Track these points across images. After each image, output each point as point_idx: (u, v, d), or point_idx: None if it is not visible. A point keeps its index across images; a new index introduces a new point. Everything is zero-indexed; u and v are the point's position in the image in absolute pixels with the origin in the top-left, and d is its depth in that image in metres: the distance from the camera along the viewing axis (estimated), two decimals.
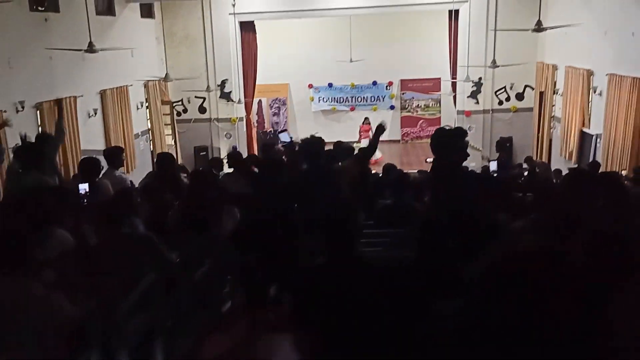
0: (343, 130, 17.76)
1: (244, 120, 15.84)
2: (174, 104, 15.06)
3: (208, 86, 13.58)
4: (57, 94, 9.71)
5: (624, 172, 9.11)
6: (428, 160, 12.97)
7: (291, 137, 16.57)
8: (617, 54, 10.33)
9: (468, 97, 14.96)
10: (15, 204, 3.96)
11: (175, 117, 15.10)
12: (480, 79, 14.52)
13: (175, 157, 6.59)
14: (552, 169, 11.90)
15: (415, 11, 15.93)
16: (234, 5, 14.12)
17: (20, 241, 3.00)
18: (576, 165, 11.49)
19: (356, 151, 8.21)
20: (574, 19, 10.83)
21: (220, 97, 15.17)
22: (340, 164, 5.78)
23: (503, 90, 14.89)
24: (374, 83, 18.78)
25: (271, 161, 5.08)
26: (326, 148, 6.41)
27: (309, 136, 4.57)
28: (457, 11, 14.45)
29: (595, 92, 11.33)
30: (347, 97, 18.95)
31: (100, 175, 6.15)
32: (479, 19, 14.01)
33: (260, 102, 18.33)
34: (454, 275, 2.20)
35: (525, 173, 10.44)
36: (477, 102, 15.02)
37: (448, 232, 2.60)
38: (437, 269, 2.54)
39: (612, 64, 10.45)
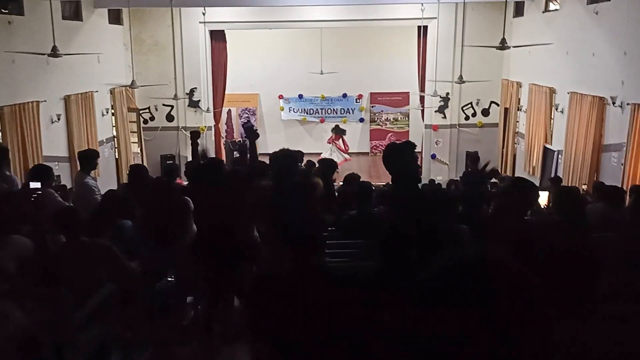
0: (313, 141, 17.81)
1: (213, 129, 15.72)
2: (141, 112, 14.85)
3: (176, 94, 13.45)
4: (20, 98, 9.47)
5: (584, 187, 9.36)
6: None
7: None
8: (578, 73, 10.65)
9: (436, 111, 15.19)
10: None
11: (142, 125, 14.88)
12: (447, 94, 14.78)
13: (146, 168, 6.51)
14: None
15: (386, 26, 16.16)
16: (204, 14, 14.06)
17: None
18: (538, 181, 11.76)
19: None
20: (538, 39, 11.14)
21: (188, 105, 15.03)
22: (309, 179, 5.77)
23: (469, 105, 15.18)
24: (344, 95, 18.91)
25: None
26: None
27: (279, 150, 4.52)
28: (425, 27, 14.71)
29: (557, 109, 11.64)
30: (317, 109, 19.03)
31: (74, 179, 6.08)
32: (447, 35, 14.29)
33: (229, 111, 18.24)
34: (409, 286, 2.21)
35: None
36: (445, 117, 15.27)
37: (407, 243, 2.62)
38: (396, 280, 2.56)
39: (573, 82, 10.77)
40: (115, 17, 13.78)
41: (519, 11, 13.62)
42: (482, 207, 5.78)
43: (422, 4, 13.52)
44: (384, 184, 10.91)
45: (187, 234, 4.88)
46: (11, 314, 2.87)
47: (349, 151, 17.64)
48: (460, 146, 15.23)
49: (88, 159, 6.28)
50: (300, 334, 2.61)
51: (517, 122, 14.04)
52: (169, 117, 15.10)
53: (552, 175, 11.13)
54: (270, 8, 14.02)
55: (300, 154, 7.48)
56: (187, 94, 14.78)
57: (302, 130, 18.99)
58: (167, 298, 4.96)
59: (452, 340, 0.83)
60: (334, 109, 19.08)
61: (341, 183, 8.32)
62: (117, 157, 13.68)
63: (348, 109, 19.12)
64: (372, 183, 8.25)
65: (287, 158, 4.42)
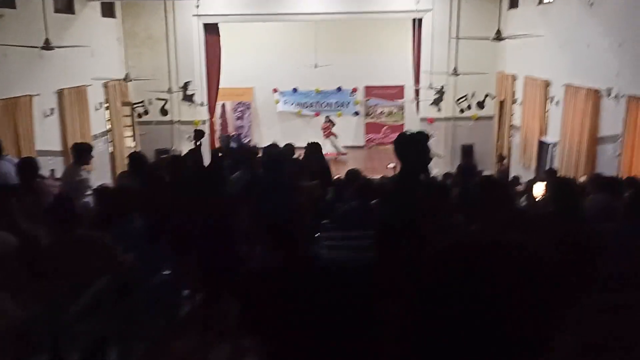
0: (308, 135, 17.73)
1: (207, 123, 15.65)
2: (135, 106, 14.76)
3: (170, 88, 13.35)
4: (13, 92, 9.39)
5: (582, 179, 9.37)
6: (390, 166, 13.10)
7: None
8: (573, 65, 10.64)
9: (431, 104, 15.18)
10: None
11: (136, 119, 14.80)
12: (442, 87, 14.75)
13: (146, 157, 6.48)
14: (511, 176, 12.16)
15: (380, 19, 16.11)
16: (197, 7, 13.98)
17: None
18: (534, 174, 11.78)
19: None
20: (533, 31, 11.13)
21: (182, 99, 14.97)
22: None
23: (464, 98, 15.17)
24: (339, 89, 18.87)
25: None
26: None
27: (271, 144, 4.51)
28: (420, 20, 14.67)
29: (552, 101, 11.64)
30: (311, 103, 18.97)
31: (64, 171, 6.03)
32: (442, 27, 14.25)
33: (223, 105, 18.18)
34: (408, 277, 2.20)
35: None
36: (440, 110, 15.25)
37: (407, 236, 2.61)
38: (395, 272, 2.55)
39: (568, 74, 10.77)
40: (108, 10, 13.68)
41: (513, 3, 13.60)
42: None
43: None
44: (379, 177, 10.90)
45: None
46: (4, 306, 2.85)
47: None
48: (456, 139, 15.24)
49: (82, 152, 6.25)
50: (292, 327, 2.59)
51: (513, 114, 14.05)
52: (163, 111, 15.03)
53: (547, 167, 11.14)
54: (264, 1, 13.96)
55: (291, 148, 7.35)
56: (181, 87, 14.70)
57: (298, 123, 18.94)
58: (162, 292, 4.94)
59: (456, 325, 0.82)
60: (328, 103, 19.03)
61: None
62: (111, 151, 13.60)
63: (343, 102, 19.08)
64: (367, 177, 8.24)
65: (274, 153, 4.40)
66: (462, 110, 15.25)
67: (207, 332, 4.58)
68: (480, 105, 15.19)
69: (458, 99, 15.14)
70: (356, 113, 19.07)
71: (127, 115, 14.35)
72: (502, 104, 14.42)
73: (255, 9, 14.39)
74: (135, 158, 6.34)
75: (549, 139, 11.81)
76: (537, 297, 0.84)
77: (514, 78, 13.66)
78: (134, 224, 4.69)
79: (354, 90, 18.91)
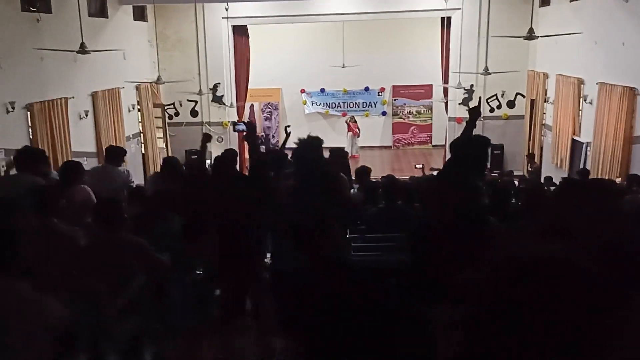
0: (336, 135, 17.76)
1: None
2: (166, 107, 15.01)
3: (200, 90, 13.54)
4: (49, 95, 9.64)
5: (618, 180, 9.18)
6: (418, 166, 13.02)
7: (248, 120, 16.55)
8: (608, 63, 10.42)
9: (460, 104, 15.02)
10: (7, 203, 3.91)
11: (167, 120, 15.05)
12: (472, 86, 14.60)
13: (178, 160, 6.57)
14: (543, 176, 11.97)
15: (408, 18, 16.02)
16: (227, 10, 14.13)
17: (9, 241, 2.95)
18: (567, 173, 11.58)
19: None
20: (565, 28, 10.93)
21: (212, 100, 15.15)
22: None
23: (494, 97, 14.98)
24: (366, 89, 18.83)
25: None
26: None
27: (306, 137, 4.41)
28: (449, 18, 14.54)
29: (585, 100, 11.42)
30: (339, 103, 18.98)
31: (98, 169, 6.17)
32: (471, 26, 14.10)
33: (252, 106, 18.30)
34: (448, 281, 2.19)
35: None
36: (469, 109, 15.08)
37: (446, 237, 2.59)
38: (433, 275, 2.54)
39: (602, 72, 10.55)
40: (140, 14, 13.93)
41: (545, 0, 13.37)
42: (510, 200, 5.72)
43: None
44: (407, 177, 10.85)
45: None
46: (50, 305, 2.93)
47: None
48: None
49: (115, 155, 6.37)
50: (324, 328, 2.60)
51: (544, 113, 13.82)
52: (193, 113, 15.25)
53: (581, 167, 10.94)
54: (292, 2, 14.02)
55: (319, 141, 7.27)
56: (210, 89, 14.88)
57: (325, 124, 18.95)
58: (196, 291, 5.02)
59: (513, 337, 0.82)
60: (356, 103, 19.01)
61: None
62: (143, 152, 13.85)
63: (370, 102, 19.04)
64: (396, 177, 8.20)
65: (308, 147, 4.34)
66: (492, 110, 15.06)
67: (238, 331, 4.64)
68: (511, 104, 14.99)
69: (488, 98, 14.96)
70: (384, 113, 19.00)
71: (158, 117, 14.59)
72: (533, 102, 14.19)
73: (283, 11, 14.46)
74: (169, 162, 6.44)
75: (582, 138, 11.58)
76: (590, 309, 0.84)
77: (545, 76, 13.43)
78: (168, 224, 4.77)
79: (382, 90, 18.85)
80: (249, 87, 16.11)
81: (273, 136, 18.64)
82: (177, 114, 15.26)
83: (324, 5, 14.48)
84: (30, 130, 9.21)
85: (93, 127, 11.42)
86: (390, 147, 18.89)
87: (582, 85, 11.54)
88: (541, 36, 9.66)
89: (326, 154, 5.37)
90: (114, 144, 11.51)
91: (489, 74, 11.69)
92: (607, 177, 9.49)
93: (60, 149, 9.77)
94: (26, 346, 2.85)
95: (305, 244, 2.92)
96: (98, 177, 5.91)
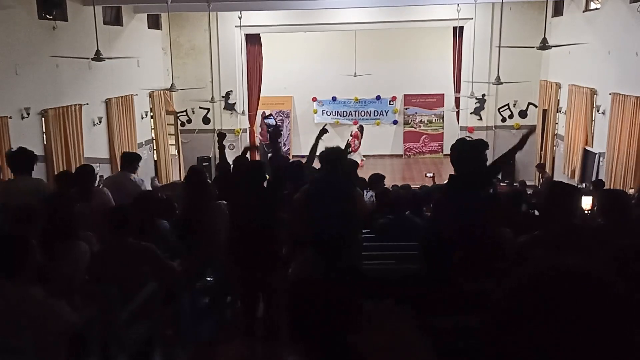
0: (343, 144, 17.72)
1: (248, 131, 15.87)
2: (178, 114, 15.12)
3: (212, 97, 13.63)
4: (63, 101, 9.76)
5: (631, 191, 9.10)
6: (428, 175, 12.98)
7: (275, 121, 16.57)
8: (621, 74, 10.36)
9: (471, 113, 15.00)
10: (20, 209, 3.94)
11: (179, 127, 15.15)
12: (483, 95, 14.57)
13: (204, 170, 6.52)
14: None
15: (420, 27, 16.04)
16: (240, 18, 14.23)
17: (22, 246, 2.99)
18: (578, 184, 11.48)
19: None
20: (578, 38, 10.89)
21: (224, 108, 15.24)
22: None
23: (506, 107, 14.94)
24: (378, 98, 18.83)
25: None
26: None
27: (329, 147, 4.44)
28: (461, 28, 14.55)
29: (598, 110, 11.35)
30: (350, 111, 18.99)
31: (114, 179, 6.21)
32: (484, 36, 14.09)
33: (264, 114, 18.38)
34: (460, 290, 2.19)
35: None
36: (480, 119, 15.06)
37: (456, 246, 2.58)
38: (444, 283, 2.53)
39: (615, 83, 10.49)
40: (154, 22, 14.08)
41: (558, 10, 13.34)
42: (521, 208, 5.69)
43: (458, 4, 13.37)
44: (418, 186, 10.82)
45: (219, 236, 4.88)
46: (62, 311, 2.96)
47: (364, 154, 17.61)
48: (497, 148, 14.96)
49: (131, 161, 6.42)
50: (335, 335, 2.60)
51: (556, 124, 13.74)
52: (205, 120, 15.34)
53: (593, 178, 10.86)
54: (304, 11, 14.10)
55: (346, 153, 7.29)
56: (223, 97, 14.98)
57: (335, 132, 18.96)
58: (206, 297, 5.03)
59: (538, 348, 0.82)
60: (367, 111, 19.01)
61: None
62: (155, 158, 13.94)
63: (381, 111, 19.03)
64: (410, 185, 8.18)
65: (335, 157, 4.36)
66: (503, 119, 15.02)
67: (251, 338, 4.63)
68: (523, 114, 14.93)
69: (500, 108, 14.93)
70: (395, 122, 18.98)
71: (170, 124, 14.70)
72: (545, 112, 14.13)
73: (296, 19, 14.55)
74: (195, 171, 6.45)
75: (595, 148, 11.50)
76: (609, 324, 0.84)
77: (558, 86, 13.38)
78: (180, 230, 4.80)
79: (393, 98, 18.84)
80: (261, 95, 16.19)
81: (284, 144, 18.67)
82: (189, 121, 15.37)
83: (337, 14, 14.54)
84: (44, 135, 9.32)
85: (106, 134, 11.53)
86: (401, 155, 18.85)
87: (594, 96, 11.48)
88: (554, 46, 9.63)
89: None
90: (127, 151, 11.61)
91: (501, 83, 11.64)
92: (620, 188, 9.40)
93: (74, 154, 9.87)
94: (39, 350, 2.87)
95: (331, 254, 2.91)
96: (114, 187, 5.92)
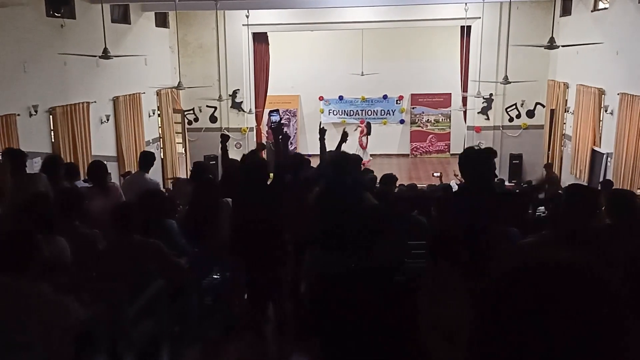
0: (352, 143, 17.75)
1: (254, 130, 15.89)
2: (186, 113, 15.16)
3: (220, 96, 13.65)
4: (71, 99, 9.80)
5: (639, 192, 9.04)
6: (435, 174, 12.96)
7: (280, 118, 16.56)
8: (629, 74, 10.30)
9: (478, 112, 14.96)
10: (25, 205, 3.97)
11: (186, 126, 15.19)
12: (491, 95, 14.52)
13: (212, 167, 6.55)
14: (563, 186, 11.83)
15: (428, 27, 16.00)
16: (247, 17, 14.25)
17: (29, 242, 3.00)
18: (586, 184, 11.43)
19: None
20: (586, 38, 10.84)
21: (231, 107, 15.27)
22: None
23: (514, 107, 14.89)
24: (385, 97, 18.81)
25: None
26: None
27: (339, 152, 4.51)
28: (469, 27, 14.50)
29: (606, 111, 11.29)
30: (357, 110, 18.98)
31: (131, 180, 6.25)
32: (491, 35, 14.05)
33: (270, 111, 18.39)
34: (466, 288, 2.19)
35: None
36: (488, 118, 15.01)
37: (463, 247, 2.59)
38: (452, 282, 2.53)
39: (623, 83, 10.43)
40: (161, 21, 14.12)
41: (566, 10, 13.27)
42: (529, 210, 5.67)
43: (465, 3, 13.33)
44: (425, 186, 10.81)
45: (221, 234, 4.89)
46: (71, 307, 2.97)
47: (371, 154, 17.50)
48: (504, 148, 14.94)
49: (148, 159, 6.47)
50: (351, 331, 2.61)
51: (564, 123, 13.69)
52: (212, 118, 15.38)
53: (601, 178, 10.80)
54: (311, 10, 14.10)
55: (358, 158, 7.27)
56: (230, 95, 15.00)
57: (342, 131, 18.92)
58: (213, 295, 5.04)
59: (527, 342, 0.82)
60: (374, 111, 19.00)
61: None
62: (162, 157, 13.98)
63: (388, 110, 19.01)
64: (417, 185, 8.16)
65: (343, 160, 4.40)
66: (511, 119, 14.97)
67: (260, 335, 4.65)
68: (530, 114, 14.88)
69: (507, 107, 14.88)
70: (402, 121, 18.95)
71: (178, 122, 14.74)
72: (552, 112, 14.06)
73: (303, 18, 14.55)
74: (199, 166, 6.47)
75: (603, 149, 11.45)
76: (605, 319, 0.84)
77: (566, 86, 13.32)
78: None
79: (400, 98, 18.82)
80: (267, 94, 16.20)
81: (291, 143, 18.67)
82: (196, 119, 15.40)
83: (344, 13, 14.53)
84: (52, 133, 9.37)
85: (114, 132, 11.57)
86: (408, 155, 18.83)
87: (603, 96, 11.42)
88: (562, 45, 9.58)
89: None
90: (134, 148, 11.66)
91: (509, 82, 11.60)
92: (628, 189, 9.35)
93: (82, 152, 9.92)
94: (46, 347, 2.89)
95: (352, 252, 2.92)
96: (133, 187, 5.94)
